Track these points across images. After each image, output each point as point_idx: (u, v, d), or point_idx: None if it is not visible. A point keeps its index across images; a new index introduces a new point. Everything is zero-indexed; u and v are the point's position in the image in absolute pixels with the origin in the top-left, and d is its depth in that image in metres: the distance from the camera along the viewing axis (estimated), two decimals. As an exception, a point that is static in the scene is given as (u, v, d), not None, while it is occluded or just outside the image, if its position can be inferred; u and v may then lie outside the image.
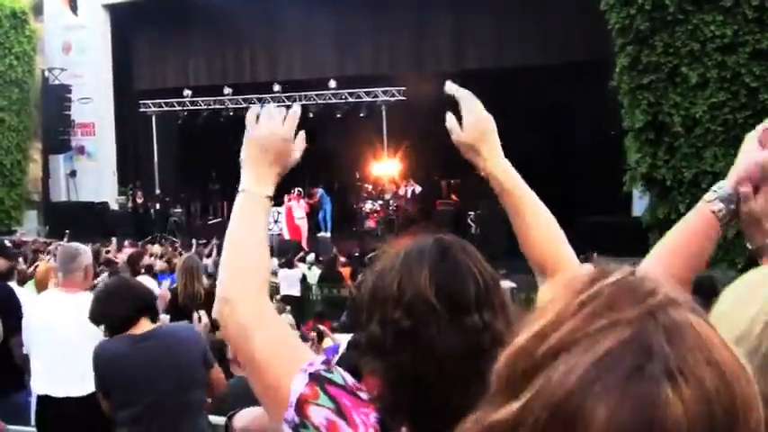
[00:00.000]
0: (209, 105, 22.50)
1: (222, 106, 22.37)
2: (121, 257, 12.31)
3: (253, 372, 1.39)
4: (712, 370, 0.58)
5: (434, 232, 1.34)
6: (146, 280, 9.64)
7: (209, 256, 14.66)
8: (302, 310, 13.80)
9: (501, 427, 0.62)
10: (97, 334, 3.81)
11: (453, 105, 1.80)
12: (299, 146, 1.67)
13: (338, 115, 21.40)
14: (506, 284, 11.90)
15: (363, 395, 1.26)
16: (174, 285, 6.94)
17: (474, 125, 1.73)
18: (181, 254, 12.48)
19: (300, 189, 19.94)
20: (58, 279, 4.94)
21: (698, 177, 13.03)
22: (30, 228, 22.02)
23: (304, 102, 21.64)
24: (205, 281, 6.96)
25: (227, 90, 22.14)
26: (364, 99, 21.14)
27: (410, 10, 20.31)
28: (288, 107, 1.72)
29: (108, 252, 13.77)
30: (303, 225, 19.77)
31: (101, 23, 23.14)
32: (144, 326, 3.65)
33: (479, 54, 20.48)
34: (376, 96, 20.93)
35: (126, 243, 17.31)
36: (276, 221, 19.96)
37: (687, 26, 13.14)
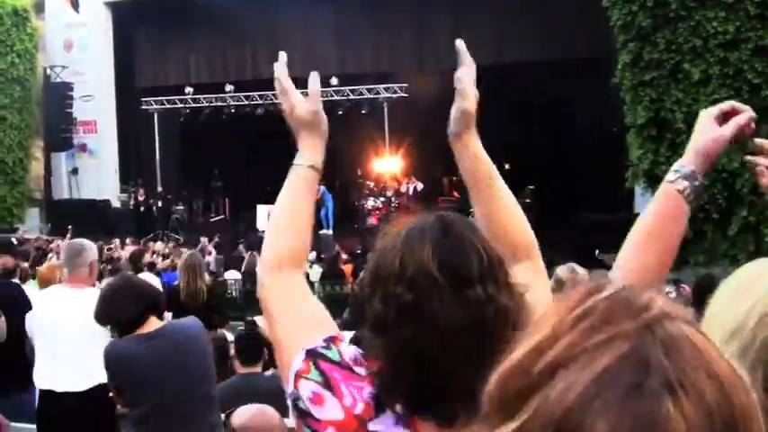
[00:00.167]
0: (211, 103, 22.50)
1: (224, 103, 22.37)
2: (123, 255, 12.34)
3: (275, 347, 1.43)
4: (712, 383, 0.58)
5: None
6: (148, 277, 9.65)
7: (210, 253, 14.68)
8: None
9: None
10: (102, 329, 3.82)
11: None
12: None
13: (340, 112, 21.38)
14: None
15: (360, 370, 1.26)
16: (176, 282, 6.95)
17: (469, 98, 1.78)
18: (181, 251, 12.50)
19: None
20: (63, 275, 4.95)
21: (700, 174, 13.01)
22: (32, 225, 22.02)
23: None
24: (207, 278, 6.97)
25: (228, 87, 22.13)
26: (366, 96, 21.15)
27: (411, 6, 20.32)
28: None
29: (110, 250, 13.78)
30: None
31: (102, 21, 23.13)
32: (152, 324, 3.64)
33: (481, 50, 20.40)
34: (378, 93, 20.93)
35: (128, 241, 17.33)
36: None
37: (689, 22, 13.12)
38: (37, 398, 4.53)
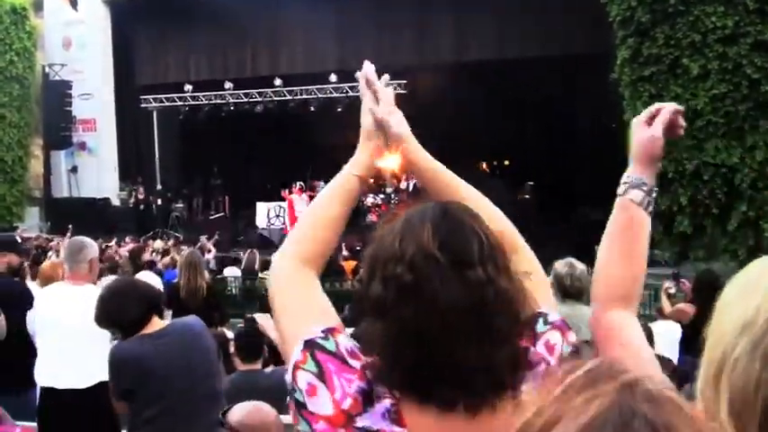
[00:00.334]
0: (211, 100, 22.49)
1: (223, 101, 22.36)
2: (123, 253, 12.32)
3: (280, 336, 1.43)
4: (693, 429, 0.60)
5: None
6: (148, 276, 9.65)
7: (209, 251, 14.67)
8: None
9: None
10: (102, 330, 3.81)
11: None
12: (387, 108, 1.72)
13: (339, 109, 21.37)
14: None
15: (354, 363, 1.26)
16: (176, 280, 6.95)
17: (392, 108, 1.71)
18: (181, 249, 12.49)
19: (302, 183, 19.94)
20: (64, 272, 4.95)
21: (699, 169, 13.02)
22: (31, 224, 22.01)
23: (305, 96, 21.65)
24: (207, 276, 6.97)
25: (227, 85, 22.12)
26: (365, 93, 21.11)
27: (411, 3, 20.30)
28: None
29: (108, 248, 13.77)
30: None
31: (101, 19, 23.12)
32: (155, 324, 3.64)
33: (480, 46, 20.46)
34: (377, 90, 20.90)
35: (127, 239, 17.32)
36: (278, 215, 19.98)
37: (688, 18, 13.11)
38: (38, 395, 4.53)
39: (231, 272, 13.65)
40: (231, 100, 22.26)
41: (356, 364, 1.26)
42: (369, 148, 1.67)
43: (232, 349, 4.67)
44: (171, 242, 16.88)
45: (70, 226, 15.69)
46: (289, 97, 21.76)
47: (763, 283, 1.02)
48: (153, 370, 3.49)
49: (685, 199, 13.10)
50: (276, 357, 4.46)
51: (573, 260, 4.44)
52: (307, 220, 1.58)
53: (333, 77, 21.08)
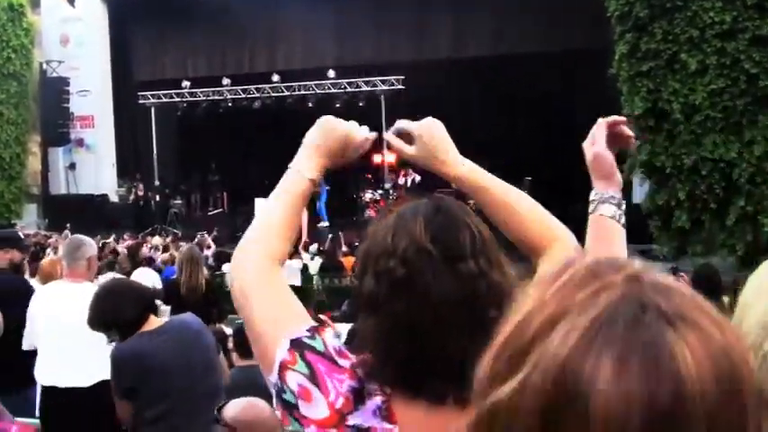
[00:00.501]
0: (208, 96, 22.44)
1: (221, 97, 22.32)
2: (121, 250, 12.31)
3: (251, 335, 1.41)
4: (712, 323, 0.59)
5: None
6: (146, 272, 9.66)
7: (209, 247, 14.66)
8: (303, 299, 13.79)
9: (502, 405, 0.62)
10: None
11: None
12: (359, 144, 1.73)
13: (337, 105, 21.34)
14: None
15: (343, 362, 1.26)
16: (174, 277, 6.94)
17: (423, 133, 1.70)
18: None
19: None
20: (63, 269, 4.95)
21: (698, 164, 13.03)
22: (29, 221, 22.01)
23: (303, 92, 21.63)
24: (206, 272, 6.97)
25: (225, 81, 22.08)
26: (363, 89, 21.12)
27: (408, -1, 20.32)
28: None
29: (106, 245, 13.76)
30: (303, 215, 19.74)
31: (98, 15, 23.08)
32: (153, 322, 3.64)
33: (478, 43, 20.46)
34: (375, 86, 20.91)
35: (125, 236, 17.33)
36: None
37: (686, 13, 13.11)
38: (38, 394, 4.53)
39: (229, 268, 13.63)
40: (229, 96, 22.22)
41: (345, 363, 1.26)
42: (321, 158, 1.65)
43: (231, 345, 4.67)
44: (169, 239, 16.88)
45: (68, 225, 15.70)
46: (287, 93, 21.74)
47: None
48: (154, 367, 3.49)
49: (683, 194, 13.11)
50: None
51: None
52: (266, 221, 1.55)
53: (331, 73, 21.06)
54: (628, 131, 1.69)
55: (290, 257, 14.65)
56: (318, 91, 21.42)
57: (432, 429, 1.19)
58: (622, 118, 1.70)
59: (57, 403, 4.35)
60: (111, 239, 15.14)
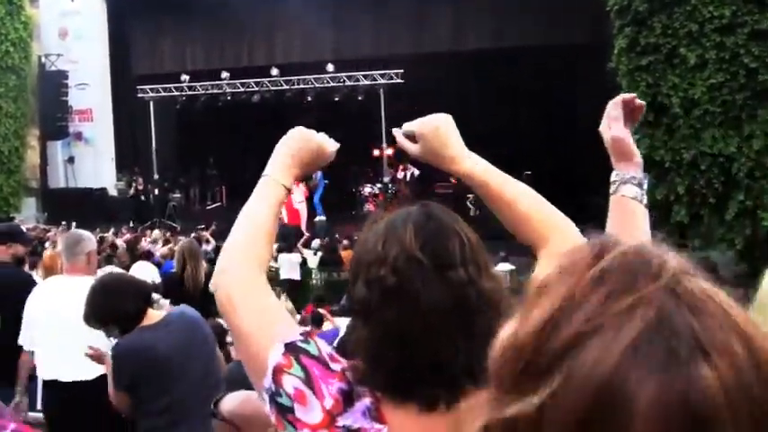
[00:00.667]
0: (207, 90, 22.44)
1: (220, 91, 22.32)
2: (120, 244, 12.32)
3: (238, 340, 1.42)
4: (741, 342, 0.59)
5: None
6: (145, 266, 9.67)
7: (207, 242, 14.65)
8: (302, 294, 13.82)
9: (524, 421, 0.61)
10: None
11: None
12: (329, 156, 1.75)
13: (336, 99, 21.35)
14: (506, 267, 11.91)
15: (334, 366, 1.27)
16: (174, 270, 6.94)
17: (425, 132, 1.70)
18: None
19: (300, 173, 19.90)
20: (62, 264, 4.95)
21: (697, 158, 13.01)
22: (28, 215, 22.00)
23: (302, 85, 21.61)
24: (205, 266, 6.97)
25: (224, 74, 22.07)
26: (362, 82, 21.10)
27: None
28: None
29: (104, 239, 13.76)
30: (302, 209, 19.77)
31: (97, 8, 23.04)
32: (152, 316, 3.64)
33: (478, 36, 20.44)
34: (374, 79, 20.89)
35: (123, 229, 17.33)
36: (276, 206, 19.93)
37: (685, 7, 13.08)
38: (40, 388, 4.53)
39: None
40: (228, 90, 22.22)
41: (337, 367, 1.27)
42: (294, 167, 1.67)
43: (229, 339, 4.67)
44: (168, 233, 16.88)
45: (74, 223, 15.67)
46: (286, 87, 21.73)
47: None
48: (157, 362, 3.49)
49: (682, 188, 13.10)
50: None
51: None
52: (249, 228, 1.56)
53: (330, 67, 21.05)
54: (639, 102, 1.68)
55: (290, 252, 14.68)
56: (317, 85, 21.40)
57: None
58: (632, 94, 1.69)
59: (59, 397, 4.36)
60: (109, 233, 15.15)
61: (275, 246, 15.15)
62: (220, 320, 6.22)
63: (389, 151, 21.33)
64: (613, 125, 1.66)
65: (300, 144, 1.68)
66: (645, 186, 1.64)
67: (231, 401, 2.54)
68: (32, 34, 22.57)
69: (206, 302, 6.02)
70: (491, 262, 1.30)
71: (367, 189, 21.30)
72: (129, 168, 23.14)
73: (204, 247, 13.09)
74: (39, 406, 4.57)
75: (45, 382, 4.47)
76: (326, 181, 20.89)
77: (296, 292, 13.85)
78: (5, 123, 21.43)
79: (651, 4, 13.35)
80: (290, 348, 1.28)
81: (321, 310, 9.32)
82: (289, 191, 1.65)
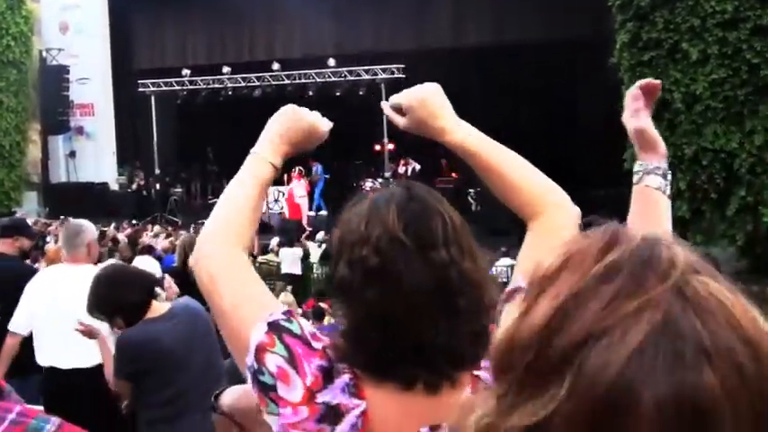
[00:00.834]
0: (208, 85, 22.41)
1: (221, 85, 22.28)
2: (121, 238, 12.32)
3: (220, 319, 1.41)
4: (744, 347, 0.59)
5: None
6: (146, 260, 9.67)
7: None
8: (303, 288, 13.84)
9: (535, 428, 0.61)
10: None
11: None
12: (321, 135, 1.72)
13: (337, 93, 21.33)
14: (507, 262, 11.91)
15: (316, 344, 1.27)
16: (174, 265, 6.94)
17: (413, 104, 1.69)
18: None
19: (301, 168, 19.95)
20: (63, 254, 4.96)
21: (698, 154, 13.01)
22: (29, 209, 22.00)
23: (303, 80, 21.59)
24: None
25: (225, 69, 22.04)
26: (363, 77, 21.09)
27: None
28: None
29: (105, 233, 13.76)
30: (303, 204, 19.79)
31: (98, 3, 23.01)
32: (157, 308, 3.64)
33: (479, 31, 20.43)
34: (375, 74, 20.87)
35: (125, 224, 17.34)
36: (276, 200, 19.97)
37: (687, 2, 13.06)
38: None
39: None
40: (229, 84, 22.18)
41: (318, 346, 1.27)
42: (283, 145, 1.65)
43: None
44: (170, 228, 16.89)
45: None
46: (287, 81, 21.69)
47: None
48: (166, 352, 3.50)
49: (684, 184, 13.10)
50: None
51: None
52: (232, 207, 1.54)
53: (331, 61, 21.02)
54: (655, 82, 1.66)
55: (291, 246, 14.70)
56: (318, 79, 21.38)
57: (400, 411, 1.21)
58: (647, 80, 1.67)
59: (58, 384, 4.38)
60: (110, 228, 15.15)
61: (276, 240, 15.18)
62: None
63: (391, 146, 21.32)
64: (636, 115, 1.64)
65: (291, 122, 1.65)
66: (669, 177, 1.63)
67: (231, 395, 2.55)
68: (33, 29, 22.58)
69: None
70: (475, 244, 1.30)
71: (368, 184, 21.27)
72: (130, 163, 23.15)
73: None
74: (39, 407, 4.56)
75: (45, 370, 4.48)
76: (327, 175, 20.90)
77: (297, 286, 13.88)
78: (7, 118, 21.45)
79: (653, -1, 13.35)
80: (273, 327, 1.28)
81: (322, 305, 9.33)
82: (276, 168, 1.62)
